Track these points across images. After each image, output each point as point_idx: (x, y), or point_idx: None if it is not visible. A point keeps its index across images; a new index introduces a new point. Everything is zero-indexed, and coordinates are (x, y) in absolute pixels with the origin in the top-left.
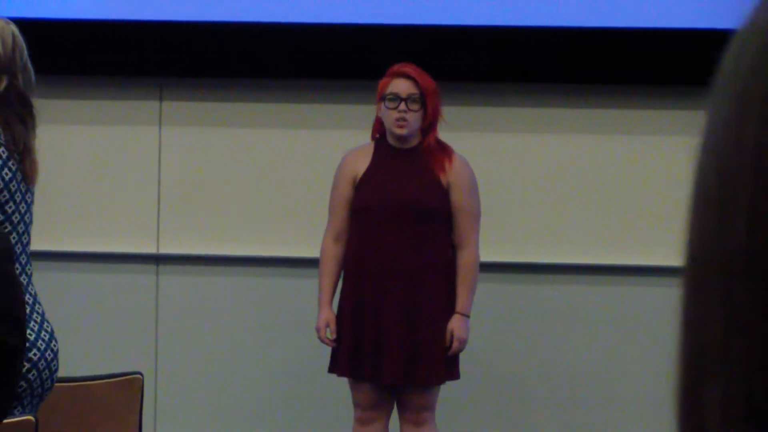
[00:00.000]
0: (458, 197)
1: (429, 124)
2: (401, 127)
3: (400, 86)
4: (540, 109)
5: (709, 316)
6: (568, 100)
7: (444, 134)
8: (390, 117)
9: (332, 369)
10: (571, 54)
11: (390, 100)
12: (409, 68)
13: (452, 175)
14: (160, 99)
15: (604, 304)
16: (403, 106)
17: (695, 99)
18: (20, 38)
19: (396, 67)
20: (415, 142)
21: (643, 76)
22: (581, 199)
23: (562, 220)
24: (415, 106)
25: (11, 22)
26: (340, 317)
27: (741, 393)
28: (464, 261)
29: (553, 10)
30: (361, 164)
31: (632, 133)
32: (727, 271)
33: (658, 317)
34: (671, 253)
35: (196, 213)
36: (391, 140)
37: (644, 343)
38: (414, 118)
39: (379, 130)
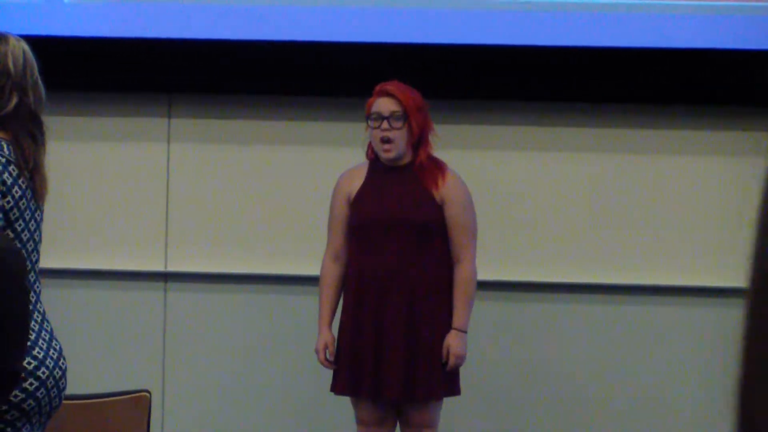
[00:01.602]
0: (453, 212)
1: (418, 140)
2: (387, 151)
3: (382, 105)
4: (536, 127)
5: None
6: (563, 119)
7: (441, 153)
8: (376, 137)
9: (333, 388)
10: (567, 73)
11: (374, 119)
12: (390, 86)
13: (446, 191)
14: (169, 116)
15: (602, 323)
16: (385, 124)
17: (694, 119)
18: (31, 55)
19: (378, 86)
20: (407, 159)
21: (641, 95)
22: (577, 218)
23: (558, 240)
24: (398, 123)
25: (22, 40)
26: (341, 334)
27: None
28: (461, 276)
29: (550, 30)
30: (356, 183)
31: (629, 152)
32: None
33: (659, 337)
34: (668, 272)
35: (205, 230)
36: (382, 159)
37: (644, 362)
38: (398, 136)
39: (374, 150)
